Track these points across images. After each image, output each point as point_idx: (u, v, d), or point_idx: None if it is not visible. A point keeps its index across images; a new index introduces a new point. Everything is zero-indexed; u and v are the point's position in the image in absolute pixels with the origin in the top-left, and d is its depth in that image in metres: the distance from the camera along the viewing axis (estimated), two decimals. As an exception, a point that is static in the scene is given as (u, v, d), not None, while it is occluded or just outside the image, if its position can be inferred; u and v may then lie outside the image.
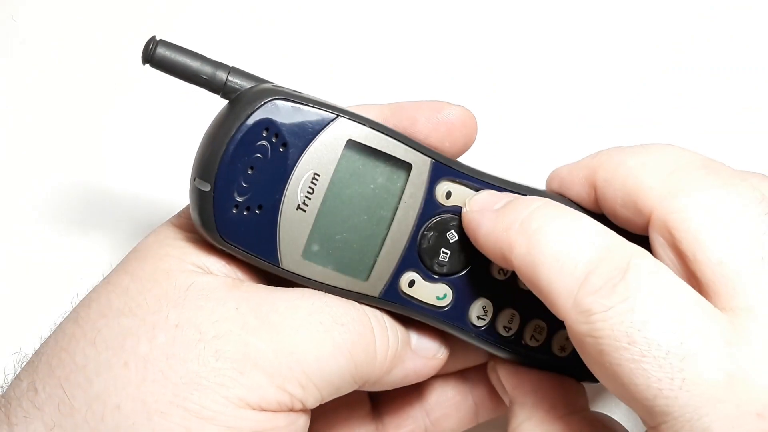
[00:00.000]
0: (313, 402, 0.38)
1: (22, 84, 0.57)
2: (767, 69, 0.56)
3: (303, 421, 0.38)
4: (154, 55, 0.38)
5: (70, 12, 0.58)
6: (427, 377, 0.42)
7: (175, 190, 0.49)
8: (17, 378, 0.37)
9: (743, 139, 0.55)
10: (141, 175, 0.55)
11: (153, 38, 0.38)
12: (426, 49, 0.57)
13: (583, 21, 0.58)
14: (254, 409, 0.36)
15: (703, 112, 0.56)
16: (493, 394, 0.45)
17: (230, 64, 0.39)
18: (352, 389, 0.39)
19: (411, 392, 0.46)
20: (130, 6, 0.58)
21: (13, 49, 0.57)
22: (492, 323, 0.41)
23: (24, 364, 0.38)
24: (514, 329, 0.41)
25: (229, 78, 0.38)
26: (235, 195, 0.38)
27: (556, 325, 0.41)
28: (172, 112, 0.55)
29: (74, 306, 0.39)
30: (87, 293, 0.39)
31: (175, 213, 0.42)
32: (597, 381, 0.42)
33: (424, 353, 0.41)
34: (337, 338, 0.38)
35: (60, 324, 0.38)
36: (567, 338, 0.41)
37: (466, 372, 0.46)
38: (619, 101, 0.56)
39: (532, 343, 0.41)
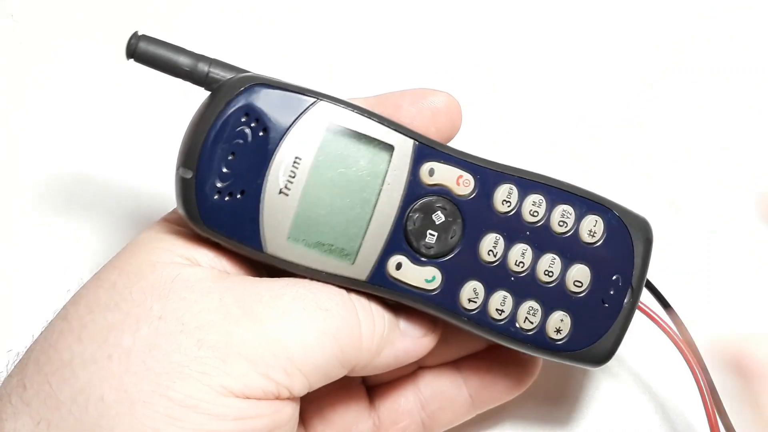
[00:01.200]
0: (300, 389, 0.37)
1: (21, 84, 0.57)
2: (767, 69, 0.56)
3: (290, 409, 0.38)
4: (137, 50, 0.38)
5: (69, 12, 0.59)
6: (420, 357, 0.41)
7: (166, 186, 0.50)
8: (8, 375, 0.38)
9: (743, 140, 0.54)
10: (137, 172, 0.55)
11: (135, 33, 0.39)
12: (426, 49, 0.57)
13: (583, 21, 0.57)
14: (238, 396, 0.35)
15: (703, 112, 0.55)
16: (488, 385, 0.45)
17: (211, 56, 0.39)
18: (341, 374, 0.39)
19: (406, 386, 0.45)
20: (129, 6, 0.59)
21: (13, 49, 0.58)
22: (484, 306, 0.40)
23: (16, 362, 0.38)
24: (507, 312, 0.40)
25: (211, 69, 0.39)
26: (217, 181, 0.38)
27: (550, 306, 0.41)
28: (169, 110, 0.55)
29: (65, 303, 0.39)
30: (78, 290, 0.39)
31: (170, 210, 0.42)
32: (598, 365, 0.42)
33: (415, 333, 0.41)
34: (322, 324, 0.38)
35: (50, 321, 0.39)
36: (562, 320, 0.41)
37: (460, 364, 0.46)
38: (620, 101, 0.56)
39: (527, 326, 0.41)
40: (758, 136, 0.54)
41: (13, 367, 0.38)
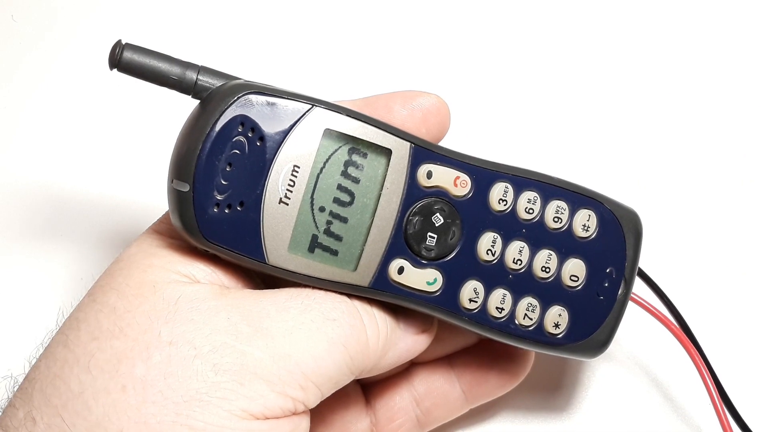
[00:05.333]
0: (314, 401, 0.37)
1: (20, 84, 0.57)
2: (767, 69, 0.57)
3: (305, 424, 0.38)
4: (121, 59, 0.37)
5: (69, 12, 0.58)
6: (421, 352, 0.42)
7: (153, 194, 0.49)
8: (11, 406, 0.36)
9: (743, 139, 0.55)
10: (121, 183, 0.54)
11: (119, 42, 0.37)
12: (426, 50, 0.58)
13: (583, 21, 0.58)
14: (258, 418, 0.35)
15: (703, 112, 0.56)
16: (480, 381, 0.46)
17: (199, 63, 0.38)
18: (350, 380, 0.39)
19: (401, 384, 0.46)
20: (129, 7, 0.58)
21: (13, 49, 0.58)
22: (484, 305, 0.41)
23: (15, 389, 0.37)
24: (507, 309, 0.41)
25: (200, 77, 0.38)
26: (215, 193, 0.37)
27: (548, 301, 0.41)
28: (159, 114, 0.54)
29: (60, 325, 0.38)
30: (72, 312, 0.38)
31: (154, 219, 0.41)
32: (594, 356, 0.42)
33: (414, 331, 0.41)
34: (330, 334, 0.37)
35: (49, 346, 0.37)
36: (560, 314, 0.41)
37: (453, 360, 0.46)
38: (619, 101, 0.56)
39: (526, 322, 0.41)
40: (756, 134, 0.55)
41: (12, 395, 0.37)
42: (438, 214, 0.40)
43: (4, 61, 0.58)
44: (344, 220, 0.39)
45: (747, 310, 0.51)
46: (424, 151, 0.39)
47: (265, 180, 0.37)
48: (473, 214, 0.40)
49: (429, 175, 0.39)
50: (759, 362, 0.50)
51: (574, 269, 0.41)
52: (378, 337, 0.39)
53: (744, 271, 0.52)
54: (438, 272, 0.40)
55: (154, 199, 0.48)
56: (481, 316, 0.41)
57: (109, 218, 0.53)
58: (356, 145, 0.38)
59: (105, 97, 0.56)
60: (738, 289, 0.52)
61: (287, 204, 0.38)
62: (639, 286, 0.43)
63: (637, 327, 0.45)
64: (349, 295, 0.39)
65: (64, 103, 0.56)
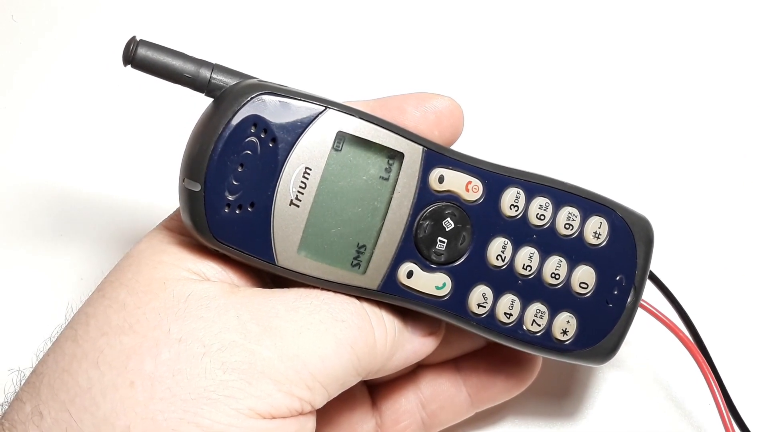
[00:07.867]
0: (321, 401, 0.37)
1: (20, 83, 0.57)
2: (767, 69, 0.57)
3: (311, 424, 0.38)
4: (135, 55, 0.37)
5: (69, 12, 0.58)
6: (428, 354, 0.42)
7: (165, 192, 0.49)
8: (18, 399, 0.36)
9: (743, 140, 0.55)
10: (129, 179, 0.54)
11: (133, 38, 0.37)
12: (440, 52, 0.58)
13: (583, 21, 0.58)
14: (265, 418, 0.35)
15: (702, 112, 0.56)
16: (487, 385, 0.46)
17: (213, 61, 0.38)
18: (357, 381, 0.39)
19: (407, 386, 0.46)
20: (130, 7, 0.58)
21: (13, 49, 0.58)
22: (492, 310, 0.41)
23: (23, 383, 0.37)
24: (515, 315, 0.41)
25: (213, 75, 0.38)
26: (227, 194, 0.37)
27: (556, 307, 0.41)
28: (158, 113, 0.55)
29: (69, 320, 0.38)
30: (82, 307, 0.38)
31: (163, 216, 0.41)
32: (601, 363, 0.42)
33: (421, 333, 0.41)
34: (339, 335, 0.37)
35: (57, 341, 0.37)
36: (568, 321, 0.41)
37: (459, 363, 0.46)
38: (619, 101, 0.56)
39: (534, 328, 0.41)
40: (758, 136, 0.55)
41: (20, 389, 0.37)
42: (449, 219, 0.40)
43: (4, 61, 0.58)
44: (355, 223, 0.38)
45: (754, 313, 0.51)
46: (436, 155, 0.39)
47: (277, 181, 0.37)
48: (484, 219, 0.40)
49: (441, 179, 0.39)
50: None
51: (584, 276, 0.41)
52: (385, 339, 0.39)
53: (745, 273, 0.52)
54: (447, 277, 0.40)
55: (158, 198, 0.48)
56: (489, 321, 0.41)
57: (111, 218, 0.53)
58: (368, 148, 0.38)
59: (106, 97, 0.56)
60: (745, 293, 0.52)
61: (298, 206, 0.38)
62: (650, 290, 0.43)
63: (646, 333, 0.45)
64: (358, 297, 0.39)
65: (65, 103, 0.56)
